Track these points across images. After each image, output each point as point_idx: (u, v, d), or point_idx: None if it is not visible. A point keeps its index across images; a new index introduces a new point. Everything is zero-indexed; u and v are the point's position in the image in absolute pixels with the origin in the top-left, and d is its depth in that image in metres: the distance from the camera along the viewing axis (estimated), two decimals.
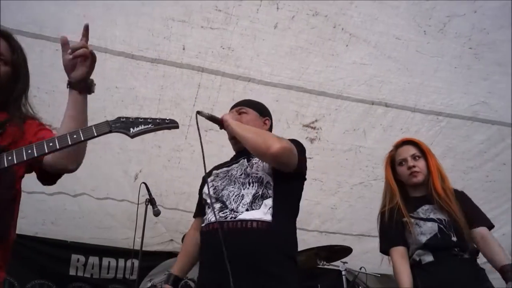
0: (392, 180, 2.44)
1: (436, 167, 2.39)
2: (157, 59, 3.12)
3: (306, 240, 4.37)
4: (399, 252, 2.25)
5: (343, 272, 3.57)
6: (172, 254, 4.57)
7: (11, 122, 1.72)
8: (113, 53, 3.07)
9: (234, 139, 2.12)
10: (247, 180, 2.00)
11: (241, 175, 2.04)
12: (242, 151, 2.12)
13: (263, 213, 1.87)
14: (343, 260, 3.65)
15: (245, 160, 2.09)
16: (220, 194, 2.00)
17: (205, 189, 2.09)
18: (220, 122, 2.01)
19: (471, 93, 3.51)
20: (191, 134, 3.53)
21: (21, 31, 2.88)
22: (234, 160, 2.18)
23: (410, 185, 2.43)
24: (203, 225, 2.04)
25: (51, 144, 1.49)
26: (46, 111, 3.20)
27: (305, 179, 2.12)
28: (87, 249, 4.42)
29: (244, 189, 1.97)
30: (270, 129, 2.30)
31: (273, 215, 1.88)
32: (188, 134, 3.51)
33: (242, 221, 1.86)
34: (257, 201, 1.92)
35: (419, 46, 3.22)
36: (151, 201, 3.34)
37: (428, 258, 2.22)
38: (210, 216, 1.97)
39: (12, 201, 1.64)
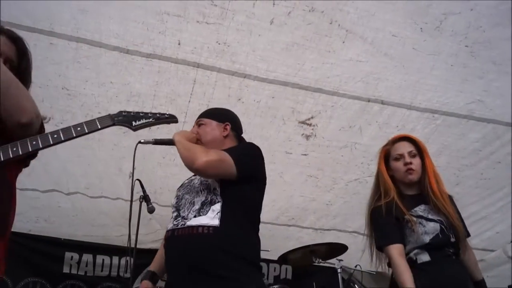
0: (387, 175, 2.40)
1: (432, 168, 2.37)
2: (152, 54, 3.09)
3: (301, 238, 4.36)
4: (398, 249, 2.19)
5: (339, 270, 3.56)
6: None
7: None
8: (107, 47, 3.04)
9: None
10: (200, 188, 2.08)
11: (199, 183, 2.12)
12: None
13: (210, 218, 1.95)
14: (339, 257, 3.63)
15: None
16: (180, 203, 2.11)
17: (173, 199, 2.22)
18: (171, 143, 2.12)
19: (467, 91, 3.51)
20: None
21: (15, 24, 2.85)
22: None
23: (404, 182, 2.39)
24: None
25: (55, 136, 1.49)
26: (40, 105, 3.15)
27: (260, 181, 2.16)
28: (81, 247, 4.36)
29: (196, 197, 2.06)
30: (238, 132, 2.34)
31: (221, 220, 1.94)
32: None
33: (189, 227, 1.95)
34: (204, 207, 2.00)
35: (415, 44, 3.22)
36: (145, 198, 3.30)
37: (425, 257, 2.19)
38: (168, 224, 2.12)
39: (9, 194, 1.62)
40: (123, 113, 1.61)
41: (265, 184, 2.19)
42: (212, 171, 1.98)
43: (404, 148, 2.42)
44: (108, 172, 3.80)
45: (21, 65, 1.76)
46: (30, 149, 1.46)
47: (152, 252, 4.68)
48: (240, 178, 2.01)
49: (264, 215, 4.04)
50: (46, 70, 3.12)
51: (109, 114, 1.58)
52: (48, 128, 3.41)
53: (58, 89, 3.21)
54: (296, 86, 3.35)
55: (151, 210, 3.28)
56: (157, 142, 2.17)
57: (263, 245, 3.78)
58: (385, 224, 2.28)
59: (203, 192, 2.05)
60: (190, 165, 1.99)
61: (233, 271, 1.88)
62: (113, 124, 1.58)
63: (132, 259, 3.31)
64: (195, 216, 1.97)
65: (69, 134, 1.53)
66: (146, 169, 3.74)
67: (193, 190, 2.11)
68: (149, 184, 3.60)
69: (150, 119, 1.66)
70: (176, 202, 2.15)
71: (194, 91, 3.29)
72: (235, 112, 3.37)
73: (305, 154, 3.73)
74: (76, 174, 3.78)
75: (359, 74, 3.34)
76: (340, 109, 3.51)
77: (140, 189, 3.37)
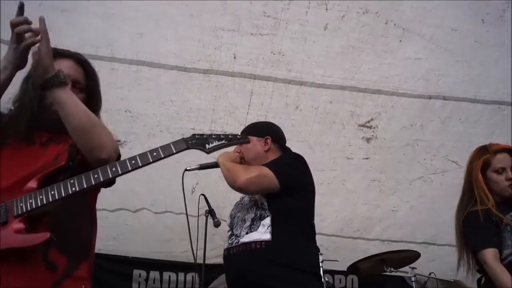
0: (484, 184, 2.31)
1: None
2: (209, 70, 3.15)
3: (367, 249, 4.23)
4: (494, 253, 2.16)
5: (413, 278, 3.41)
6: None
7: None
8: (166, 67, 3.13)
9: None
10: (249, 205, 2.11)
11: (248, 201, 2.15)
12: None
13: (261, 233, 1.96)
14: (412, 265, 3.49)
15: None
16: (233, 222, 2.15)
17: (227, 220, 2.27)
18: (215, 165, 2.18)
19: None
20: None
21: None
22: None
23: (504, 195, 2.32)
24: None
25: (133, 162, 1.52)
26: None
27: (306, 191, 2.13)
28: (148, 264, 4.45)
29: (247, 214, 2.08)
30: (281, 144, 2.32)
31: (272, 233, 1.95)
32: None
33: (242, 244, 1.98)
34: (255, 222, 2.02)
35: (477, 36, 3.12)
36: (210, 212, 3.32)
37: None
38: (224, 244, 2.16)
39: (90, 217, 1.69)
40: (196, 136, 1.61)
41: (313, 192, 2.17)
42: (254, 187, 2.00)
43: (507, 161, 2.34)
44: (171, 188, 3.86)
45: (89, 86, 1.79)
46: (111, 176, 1.51)
47: (217, 267, 4.74)
48: (283, 190, 2.01)
49: (328, 227, 4.06)
50: (109, 95, 3.23)
51: (183, 138, 1.59)
52: None
53: (121, 112, 3.32)
54: (354, 89, 3.31)
55: (217, 224, 3.29)
56: (202, 167, 2.25)
57: (328, 258, 3.74)
58: (482, 228, 2.24)
59: (252, 209, 2.07)
60: (232, 185, 2.04)
61: (290, 283, 1.88)
62: (188, 148, 1.59)
63: (198, 275, 3.34)
64: (247, 233, 2.00)
65: (145, 159, 1.56)
66: (209, 184, 3.78)
67: (243, 208, 2.14)
68: (211, 199, 3.63)
69: (223, 141, 1.66)
70: (230, 222, 2.19)
71: (252, 102, 3.32)
72: (294, 120, 3.42)
73: (366, 158, 3.64)
74: (142, 192, 3.88)
75: (419, 72, 3.26)
76: (400, 108, 3.42)
77: (204, 204, 3.41)
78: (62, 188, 1.47)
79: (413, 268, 3.44)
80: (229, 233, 2.14)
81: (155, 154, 1.55)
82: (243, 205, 2.16)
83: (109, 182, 1.70)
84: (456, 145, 3.64)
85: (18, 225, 1.41)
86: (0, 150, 1.56)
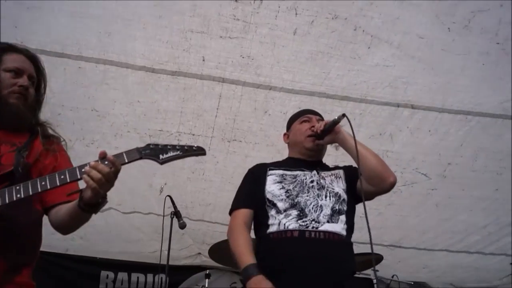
0: None
1: None
2: (178, 72, 3.12)
3: None
4: None
5: (374, 281, 3.45)
6: (200, 268, 4.54)
7: (35, 140, 1.74)
8: (134, 67, 3.09)
9: (311, 149, 2.20)
10: (323, 192, 2.03)
11: (312, 183, 2.06)
12: (310, 161, 2.20)
13: (341, 228, 1.96)
14: (377, 267, 3.52)
15: (315, 171, 2.13)
16: (296, 200, 1.99)
17: (273, 189, 2.04)
18: (333, 128, 2.18)
19: (500, 89, 3.37)
20: (214, 146, 3.52)
21: (44, 51, 2.94)
22: (295, 167, 2.15)
23: None
24: (273, 230, 1.95)
25: (83, 170, 1.51)
26: (71, 128, 3.27)
27: None
28: (116, 265, 4.43)
29: (320, 200, 2.00)
30: None
31: (346, 231, 1.98)
32: (211, 146, 3.49)
33: (325, 232, 1.91)
34: (335, 215, 1.98)
35: (444, 44, 3.12)
36: (176, 214, 3.33)
37: None
38: (285, 222, 1.94)
39: (34, 224, 1.68)
40: (151, 146, 1.60)
41: None
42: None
43: None
44: (139, 188, 3.84)
45: (39, 81, 1.84)
46: (58, 184, 1.53)
47: (186, 269, 4.72)
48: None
49: None
50: (76, 94, 3.20)
51: (136, 147, 1.58)
52: (79, 148, 3.44)
53: (88, 111, 3.28)
54: (322, 95, 3.30)
55: (182, 226, 3.30)
56: (334, 123, 2.24)
57: None
58: None
59: (329, 198, 2.01)
60: (384, 177, 2.03)
61: (352, 283, 1.98)
62: (140, 158, 1.58)
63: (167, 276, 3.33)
64: (328, 222, 1.94)
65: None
66: (177, 185, 3.77)
67: (309, 190, 2.03)
68: (180, 199, 3.62)
69: (178, 152, 1.63)
70: (289, 197, 2.00)
71: (220, 106, 3.30)
72: (263, 125, 3.43)
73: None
74: (109, 192, 3.83)
75: (387, 79, 3.27)
76: (369, 116, 3.43)
77: (171, 204, 3.41)
78: (6, 195, 1.46)
79: (375, 270, 3.47)
80: (295, 212, 1.96)
81: (106, 163, 1.54)
82: (306, 185, 2.04)
83: None
84: (426, 159, 3.70)
85: None
86: None
